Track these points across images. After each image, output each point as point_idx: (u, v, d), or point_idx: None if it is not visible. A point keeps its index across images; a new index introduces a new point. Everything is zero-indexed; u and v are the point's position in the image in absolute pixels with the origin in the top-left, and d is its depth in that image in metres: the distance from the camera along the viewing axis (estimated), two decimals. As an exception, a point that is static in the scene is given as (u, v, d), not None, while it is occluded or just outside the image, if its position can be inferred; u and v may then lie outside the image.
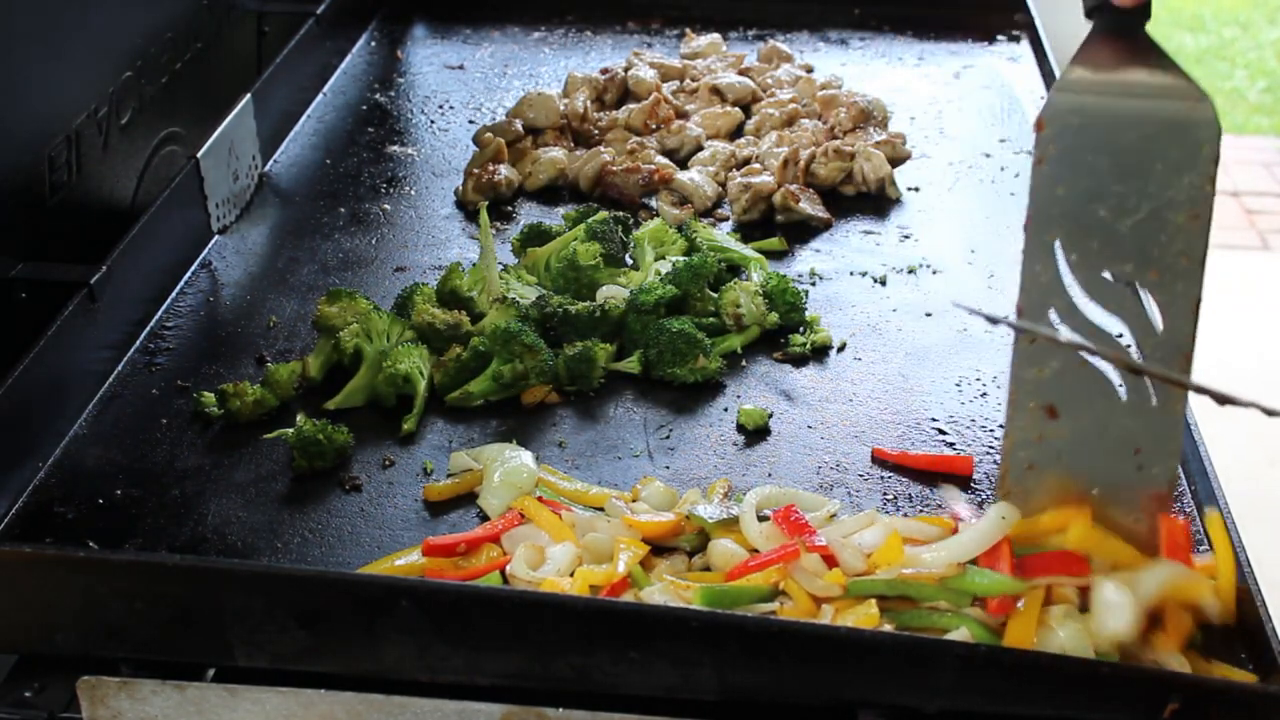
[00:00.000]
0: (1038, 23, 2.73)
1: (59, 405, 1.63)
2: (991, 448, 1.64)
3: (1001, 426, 1.67)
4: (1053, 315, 1.25)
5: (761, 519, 1.44)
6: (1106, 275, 1.22)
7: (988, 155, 2.34)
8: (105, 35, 1.99)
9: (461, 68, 2.68)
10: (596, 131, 2.35)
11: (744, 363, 1.80)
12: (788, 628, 1.22)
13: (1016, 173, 2.28)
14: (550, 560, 1.40)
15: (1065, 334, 1.23)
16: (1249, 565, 1.37)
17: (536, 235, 1.98)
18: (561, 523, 1.45)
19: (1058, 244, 1.23)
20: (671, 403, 1.72)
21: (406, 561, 1.43)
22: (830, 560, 1.35)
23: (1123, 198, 1.21)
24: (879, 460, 1.59)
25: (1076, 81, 1.24)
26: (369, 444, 1.64)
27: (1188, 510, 1.53)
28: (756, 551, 1.39)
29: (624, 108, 2.38)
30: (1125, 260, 1.22)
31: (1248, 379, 4.55)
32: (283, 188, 2.23)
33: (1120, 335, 1.27)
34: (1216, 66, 6.79)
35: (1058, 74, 2.50)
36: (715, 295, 1.86)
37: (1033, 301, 1.26)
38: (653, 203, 2.17)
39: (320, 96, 2.51)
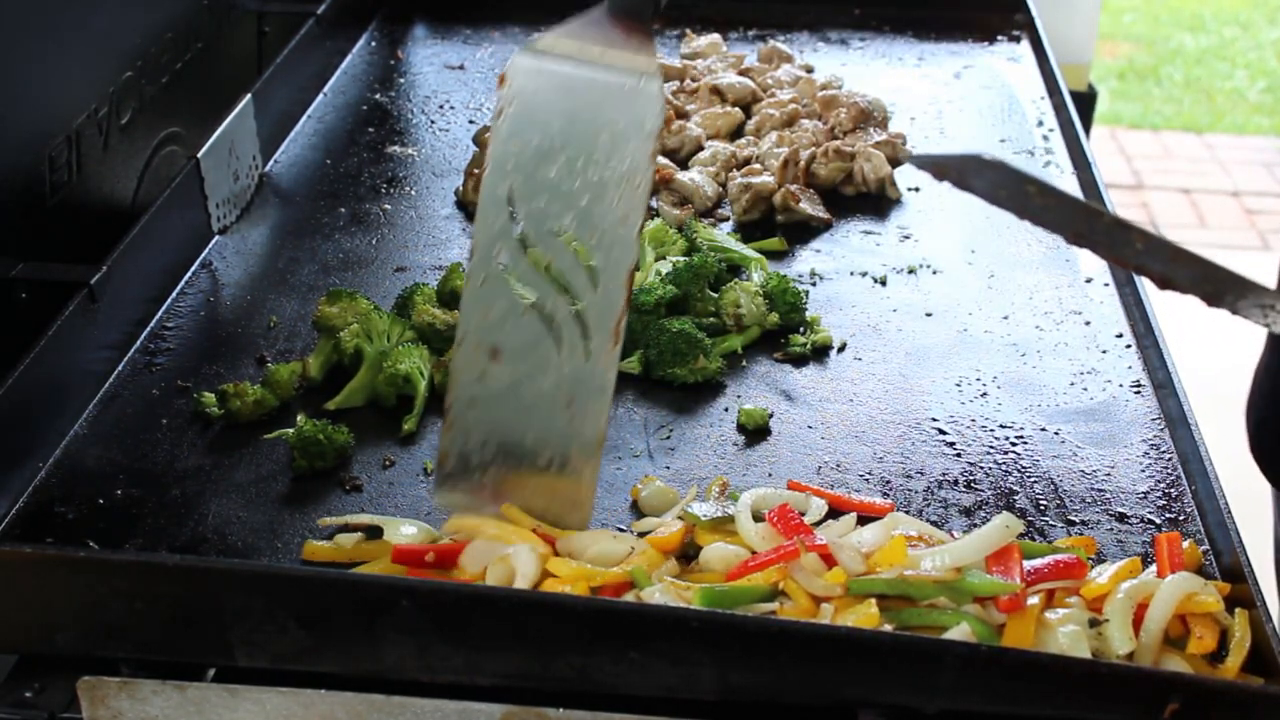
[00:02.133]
0: (1038, 23, 2.74)
1: (59, 405, 1.63)
2: (991, 448, 1.64)
3: (1002, 426, 1.68)
4: (502, 259, 1.27)
5: (757, 519, 1.44)
6: (553, 231, 1.24)
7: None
8: (105, 35, 1.99)
9: (461, 68, 2.68)
10: (596, 131, 2.35)
11: (744, 363, 1.80)
12: (788, 628, 1.22)
13: (1017, 173, 2.28)
14: (520, 575, 1.38)
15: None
16: (1249, 565, 1.37)
17: (536, 235, 1.98)
18: (514, 525, 1.43)
19: (510, 194, 1.25)
20: (671, 403, 1.72)
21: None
22: (829, 560, 1.35)
23: (571, 160, 1.23)
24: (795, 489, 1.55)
25: (546, 45, 1.26)
26: (369, 444, 1.63)
27: (1188, 510, 1.53)
28: (754, 551, 1.39)
29: (624, 108, 2.38)
30: (570, 220, 1.24)
31: (1248, 378, 4.55)
32: (283, 188, 2.23)
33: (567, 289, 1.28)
34: (1216, 66, 6.79)
35: (1058, 74, 2.51)
36: (715, 295, 1.86)
37: (482, 246, 1.27)
38: (653, 203, 2.17)
39: (320, 96, 2.51)
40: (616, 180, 1.23)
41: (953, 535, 1.44)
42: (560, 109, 1.25)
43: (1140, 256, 1.16)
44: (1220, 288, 1.16)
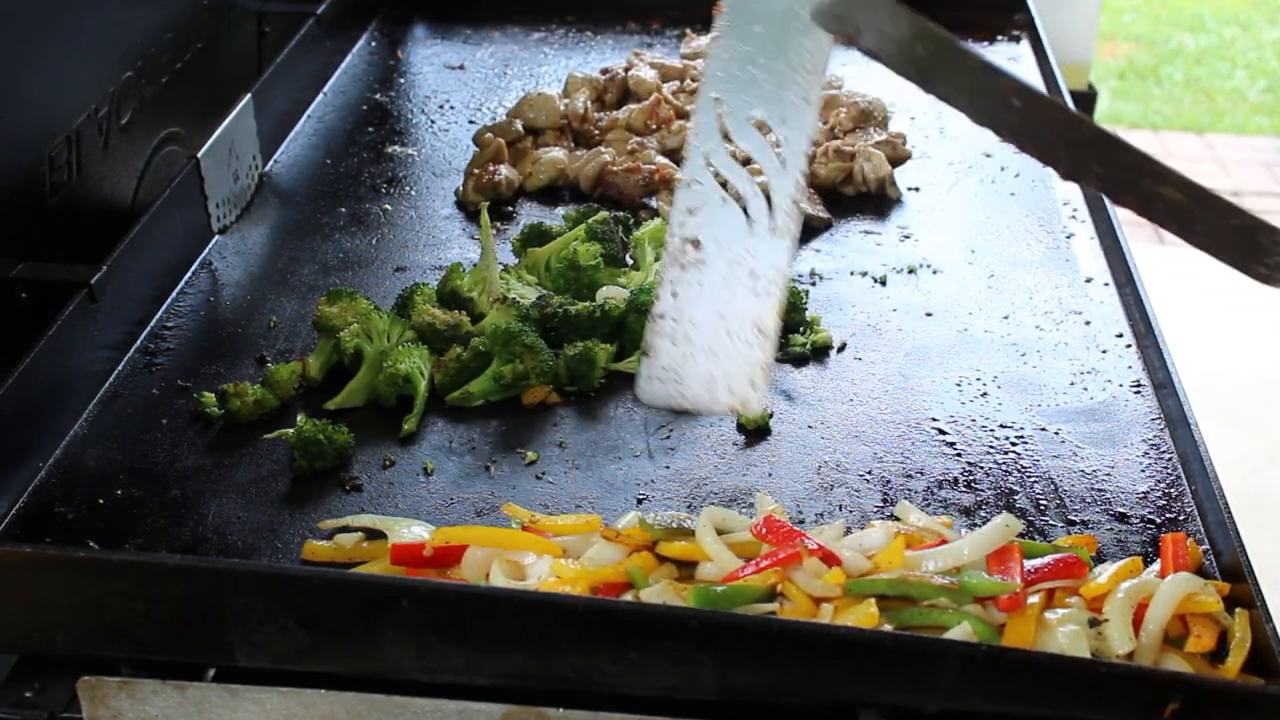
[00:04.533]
0: (1038, 23, 2.73)
1: (59, 405, 1.63)
2: (991, 447, 1.64)
3: (1002, 426, 1.68)
4: (710, 159, 1.39)
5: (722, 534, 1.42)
6: (750, 120, 1.38)
7: (988, 155, 2.34)
8: (105, 35, 1.99)
9: (461, 68, 2.68)
10: (597, 132, 2.35)
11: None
12: (788, 628, 1.22)
13: (1016, 173, 2.28)
14: (533, 576, 1.38)
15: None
16: (1249, 565, 1.37)
17: (537, 235, 1.98)
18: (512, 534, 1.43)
19: (718, 100, 1.37)
20: (672, 403, 1.72)
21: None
22: (828, 560, 1.35)
23: (764, 51, 1.37)
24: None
25: None
26: (369, 444, 1.64)
27: (1188, 510, 1.53)
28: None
29: (624, 108, 2.38)
30: (761, 107, 1.37)
31: (1248, 378, 4.56)
32: (283, 188, 2.23)
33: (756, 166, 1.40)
34: (1216, 66, 6.79)
35: (1058, 74, 2.51)
36: (715, 295, 1.86)
37: (693, 151, 1.39)
38: (653, 203, 2.17)
39: (320, 96, 2.51)
40: (797, 67, 1.36)
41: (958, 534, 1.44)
42: (763, 17, 1.37)
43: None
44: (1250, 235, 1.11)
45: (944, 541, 1.40)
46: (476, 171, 2.21)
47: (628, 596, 1.34)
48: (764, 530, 1.39)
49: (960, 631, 1.27)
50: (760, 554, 1.38)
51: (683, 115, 2.38)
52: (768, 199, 1.37)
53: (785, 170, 1.36)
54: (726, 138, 1.36)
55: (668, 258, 1.35)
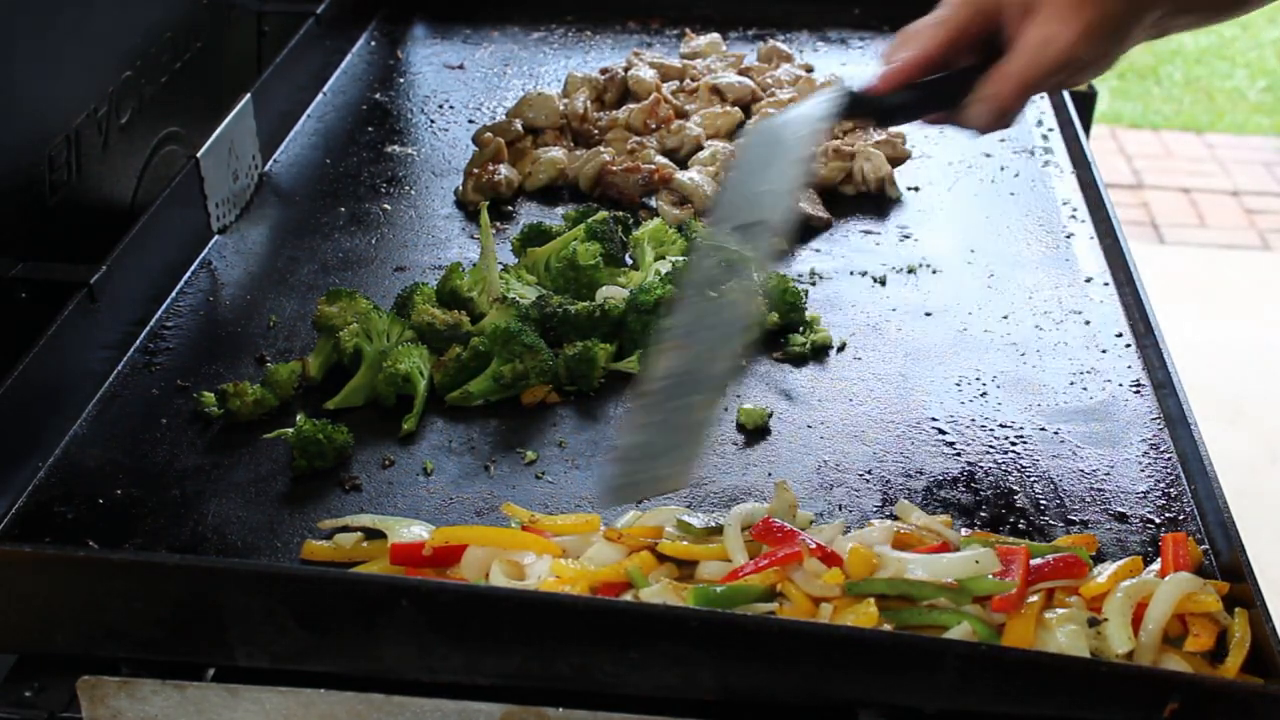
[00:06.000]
0: (1038, 22, 2.73)
1: (59, 405, 1.63)
2: (991, 447, 1.64)
3: (1002, 426, 1.68)
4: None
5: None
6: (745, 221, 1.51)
7: (988, 155, 2.34)
8: (105, 35, 1.99)
9: (461, 68, 2.68)
10: (596, 131, 2.35)
11: (744, 362, 1.80)
12: (788, 628, 1.22)
13: (1016, 172, 2.28)
14: (533, 576, 1.39)
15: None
16: (1249, 565, 1.37)
17: (536, 235, 1.98)
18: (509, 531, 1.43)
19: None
20: (671, 403, 1.72)
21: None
22: (828, 560, 1.35)
23: (768, 180, 1.52)
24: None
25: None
26: (369, 444, 1.64)
27: (1188, 510, 1.53)
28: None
29: (624, 108, 2.38)
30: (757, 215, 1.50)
31: (1248, 378, 4.56)
32: (283, 188, 2.23)
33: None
34: (1216, 66, 6.79)
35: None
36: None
37: (695, 270, 1.53)
38: (653, 203, 2.17)
39: (320, 96, 2.51)
40: (786, 187, 1.52)
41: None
42: (767, 144, 1.57)
43: None
44: None
45: (945, 543, 1.40)
46: (476, 171, 2.21)
47: (628, 596, 1.34)
48: (762, 535, 1.39)
49: (960, 631, 1.27)
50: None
51: (682, 115, 2.38)
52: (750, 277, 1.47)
53: (766, 249, 1.47)
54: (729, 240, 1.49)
55: (657, 364, 1.40)
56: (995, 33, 1.45)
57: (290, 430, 1.60)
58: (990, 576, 1.32)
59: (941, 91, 1.50)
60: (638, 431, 1.39)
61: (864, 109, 1.53)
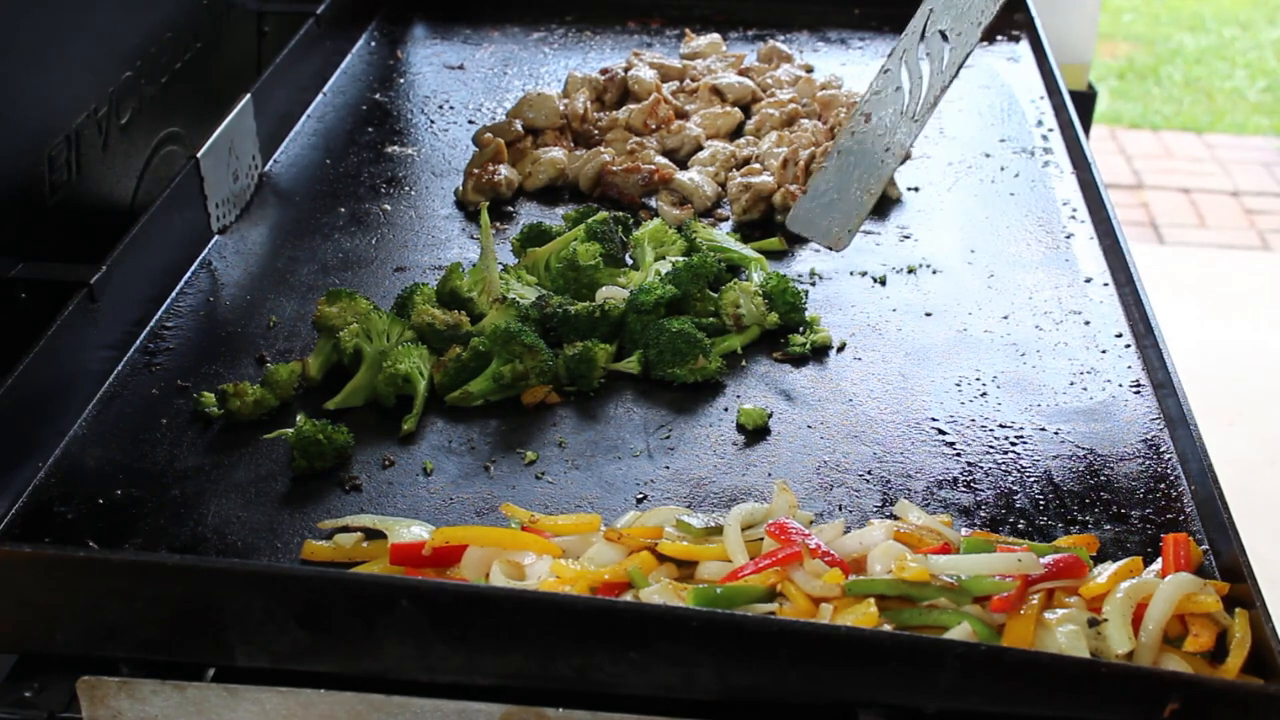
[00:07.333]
0: (1037, 22, 2.74)
1: (59, 405, 1.63)
2: (991, 447, 1.64)
3: (1002, 426, 1.68)
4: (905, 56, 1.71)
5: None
6: (938, 31, 1.69)
7: (988, 155, 2.34)
8: (105, 35, 1.99)
9: (461, 68, 2.68)
10: (596, 131, 2.35)
11: (744, 363, 1.80)
12: (788, 628, 1.22)
13: (1016, 173, 2.28)
14: (533, 576, 1.39)
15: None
16: (1248, 565, 1.37)
17: (536, 235, 1.98)
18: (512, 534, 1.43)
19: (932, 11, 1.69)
20: (671, 403, 1.72)
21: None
22: (828, 560, 1.35)
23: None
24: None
25: None
26: (369, 444, 1.64)
27: (1188, 510, 1.53)
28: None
29: (624, 108, 2.38)
30: (948, 20, 1.68)
31: (1248, 378, 4.56)
32: (283, 188, 2.23)
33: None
34: (1216, 66, 6.79)
35: (1057, 74, 2.51)
36: (715, 295, 1.86)
37: (901, 45, 1.71)
38: (653, 203, 2.17)
39: (320, 96, 2.51)
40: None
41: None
42: None
43: None
44: None
45: (945, 543, 1.40)
46: (476, 171, 2.21)
47: (628, 596, 1.35)
48: (775, 534, 1.39)
49: (960, 632, 1.27)
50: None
51: (682, 115, 2.38)
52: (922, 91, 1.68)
53: (941, 72, 1.66)
54: (923, 37, 1.67)
55: (847, 125, 1.70)
56: None
57: (290, 430, 1.60)
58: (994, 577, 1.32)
59: None
60: (827, 175, 1.69)
61: None
